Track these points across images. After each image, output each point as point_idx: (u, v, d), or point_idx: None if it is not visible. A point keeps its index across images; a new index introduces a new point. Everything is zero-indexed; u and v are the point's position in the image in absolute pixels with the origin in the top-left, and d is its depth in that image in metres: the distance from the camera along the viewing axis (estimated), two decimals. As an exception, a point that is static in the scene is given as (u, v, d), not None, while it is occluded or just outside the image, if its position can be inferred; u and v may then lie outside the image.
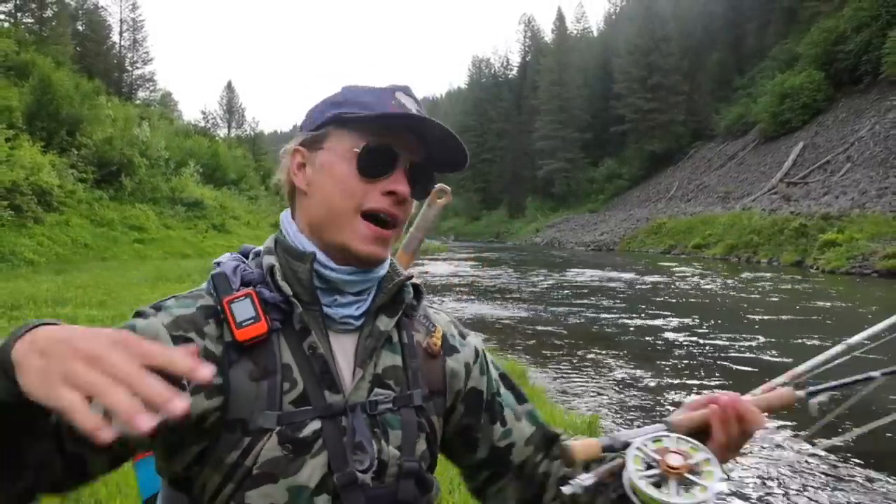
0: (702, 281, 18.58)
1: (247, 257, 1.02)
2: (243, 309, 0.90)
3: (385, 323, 0.98)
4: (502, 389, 1.12)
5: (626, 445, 0.90)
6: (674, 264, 25.37)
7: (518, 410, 1.11)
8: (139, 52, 55.47)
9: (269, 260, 0.96)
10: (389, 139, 0.94)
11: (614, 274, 21.63)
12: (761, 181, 37.38)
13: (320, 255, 0.95)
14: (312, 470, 0.88)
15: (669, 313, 12.35)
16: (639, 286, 17.92)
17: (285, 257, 0.96)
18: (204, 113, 63.89)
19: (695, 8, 65.78)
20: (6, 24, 40.12)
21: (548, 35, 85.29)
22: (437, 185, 1.81)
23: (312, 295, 0.95)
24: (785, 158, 37.42)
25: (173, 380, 0.73)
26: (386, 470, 0.92)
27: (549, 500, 1.07)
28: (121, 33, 54.58)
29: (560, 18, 79.17)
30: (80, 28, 51.26)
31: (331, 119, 0.96)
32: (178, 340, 0.88)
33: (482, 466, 1.10)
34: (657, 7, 63.48)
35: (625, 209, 51.99)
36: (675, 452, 0.87)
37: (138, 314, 0.91)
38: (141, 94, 55.04)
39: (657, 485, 0.85)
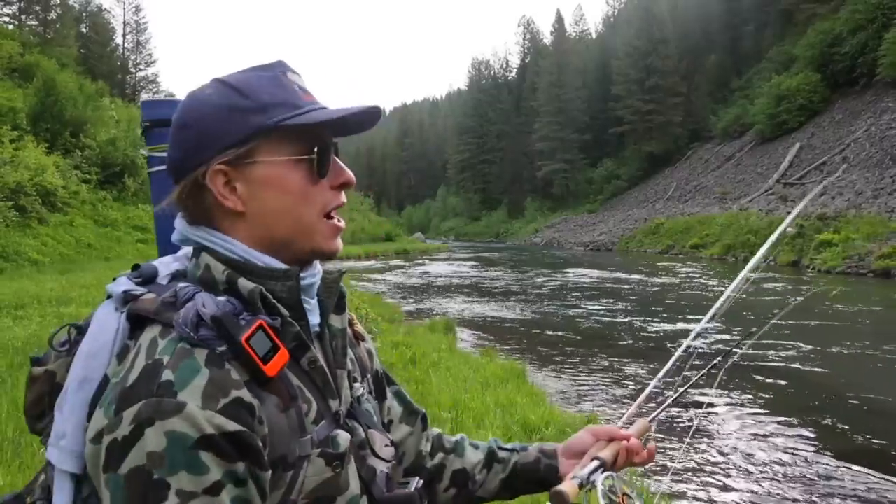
0: (699, 281, 18.58)
1: (147, 283, 0.88)
2: (261, 343, 0.79)
3: (338, 320, 0.96)
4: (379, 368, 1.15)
5: (589, 480, 1.04)
6: (671, 264, 25.37)
7: (391, 390, 1.14)
8: (142, 55, 55.56)
9: (247, 286, 0.83)
10: (326, 135, 0.90)
11: (612, 274, 21.63)
12: (758, 182, 37.38)
13: (292, 269, 0.87)
14: (353, 478, 0.88)
15: (666, 312, 12.35)
16: (637, 286, 17.92)
17: (259, 280, 0.85)
18: (206, 114, 63.65)
19: (692, 10, 65.73)
20: (11, 27, 40.13)
21: (547, 37, 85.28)
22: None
23: (299, 310, 0.87)
24: (782, 159, 37.43)
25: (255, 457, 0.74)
26: (381, 453, 0.96)
27: (442, 490, 1.15)
28: (124, 35, 54.65)
29: (559, 21, 79.13)
30: (83, 30, 51.30)
31: (258, 130, 0.84)
32: (242, 417, 0.74)
33: None
34: (655, 9, 63.42)
35: (623, 209, 51.97)
36: (626, 495, 1.04)
37: (172, 407, 0.71)
38: (144, 95, 55.02)
39: None
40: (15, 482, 3.14)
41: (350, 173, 0.91)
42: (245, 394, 0.75)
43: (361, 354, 1.06)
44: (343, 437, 0.86)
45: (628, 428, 1.15)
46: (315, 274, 0.92)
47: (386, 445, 0.97)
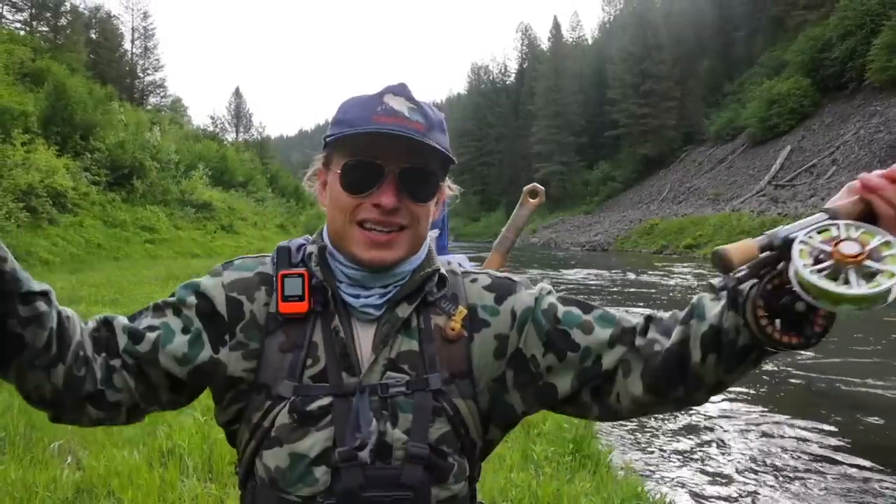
0: (693, 279, 18.58)
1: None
2: (294, 285, 0.97)
3: (404, 310, 0.98)
4: (560, 313, 1.02)
5: (788, 242, 0.76)
6: (666, 263, 25.37)
7: (586, 321, 1.01)
8: (150, 60, 55.54)
9: (312, 248, 1.02)
10: (370, 153, 0.94)
11: (608, 273, 21.62)
12: (750, 184, 37.36)
13: (340, 256, 0.99)
14: (314, 441, 0.91)
15: (660, 310, 12.34)
16: (632, 284, 17.93)
17: (320, 248, 1.01)
18: (213, 118, 63.72)
19: (686, 17, 65.70)
20: (22, 33, 40.12)
21: (544, 43, 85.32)
22: (529, 186, 1.73)
23: (335, 284, 0.99)
24: (773, 162, 37.40)
25: (218, 334, 0.97)
26: (391, 452, 0.92)
27: (697, 361, 0.91)
28: (133, 41, 54.62)
29: (556, 27, 79.17)
30: (93, 36, 51.29)
31: (325, 142, 1.00)
32: (230, 301, 0.98)
33: (580, 395, 1.01)
34: (650, 16, 63.42)
35: (618, 210, 51.93)
36: (847, 240, 0.73)
37: (213, 272, 1.03)
38: (152, 99, 55.08)
39: (833, 278, 0.72)
40: (26, 476, 3.14)
41: (386, 199, 0.93)
42: (243, 297, 0.98)
43: (454, 352, 0.98)
44: (321, 402, 0.92)
45: None
46: (372, 272, 0.98)
47: (401, 445, 0.92)
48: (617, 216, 49.69)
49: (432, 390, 0.95)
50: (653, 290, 16.31)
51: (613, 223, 47.36)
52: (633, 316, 1.04)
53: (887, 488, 4.35)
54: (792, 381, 7.20)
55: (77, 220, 21.47)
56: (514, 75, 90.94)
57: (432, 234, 1.19)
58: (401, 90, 0.96)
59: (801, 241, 0.75)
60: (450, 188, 1.08)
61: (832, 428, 5.61)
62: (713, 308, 0.91)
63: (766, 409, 6.18)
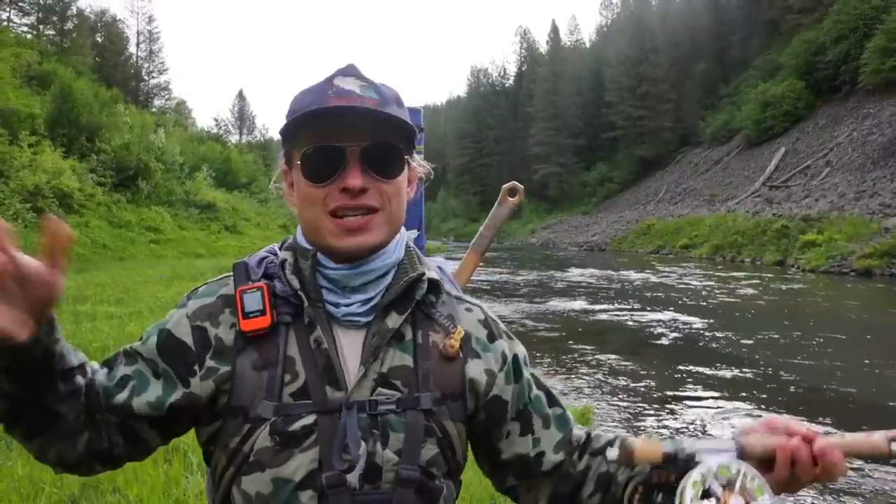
0: (688, 279, 18.57)
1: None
2: (252, 300, 0.90)
3: (394, 320, 0.91)
4: (533, 394, 1.01)
5: (690, 459, 0.79)
6: (662, 263, 25.37)
7: (548, 415, 1.01)
8: (155, 63, 55.55)
9: (283, 255, 0.95)
10: (328, 137, 0.88)
11: (605, 272, 21.62)
12: (745, 185, 37.36)
13: (320, 256, 0.92)
14: (299, 464, 0.84)
15: (657, 309, 12.34)
16: (629, 284, 17.92)
17: (295, 254, 0.95)
18: (216, 120, 63.97)
19: (682, 21, 65.71)
20: (29, 36, 40.13)
21: (543, 46, 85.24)
22: (508, 184, 1.66)
23: (317, 291, 0.92)
24: (767, 163, 37.41)
25: (187, 366, 0.91)
26: (381, 475, 0.85)
27: (587, 495, 0.98)
28: (138, 45, 54.65)
29: (554, 30, 79.17)
30: (99, 40, 51.30)
31: (282, 135, 0.94)
32: (195, 330, 0.92)
33: (508, 472, 1.01)
34: (646, 20, 63.45)
35: (616, 211, 51.93)
36: (737, 495, 0.75)
37: (180, 304, 0.97)
38: (157, 102, 55.11)
39: None
40: (33, 472, 3.14)
41: (351, 180, 0.87)
42: (207, 324, 0.92)
43: (449, 372, 0.93)
44: (304, 421, 0.85)
45: (843, 436, 0.79)
46: (351, 267, 0.91)
47: (391, 466, 0.86)
48: (614, 217, 49.69)
49: (423, 410, 0.89)
50: (650, 290, 16.31)
51: (611, 224, 47.37)
52: (579, 428, 1.04)
53: (887, 488, 4.35)
54: (791, 381, 7.20)
55: (83, 220, 21.47)
56: (512, 78, 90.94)
57: (410, 235, 1.11)
58: (350, 70, 0.92)
59: (700, 473, 0.77)
60: (420, 165, 1.00)
61: (831, 429, 5.61)
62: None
63: (764, 409, 6.17)
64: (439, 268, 1.13)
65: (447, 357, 0.93)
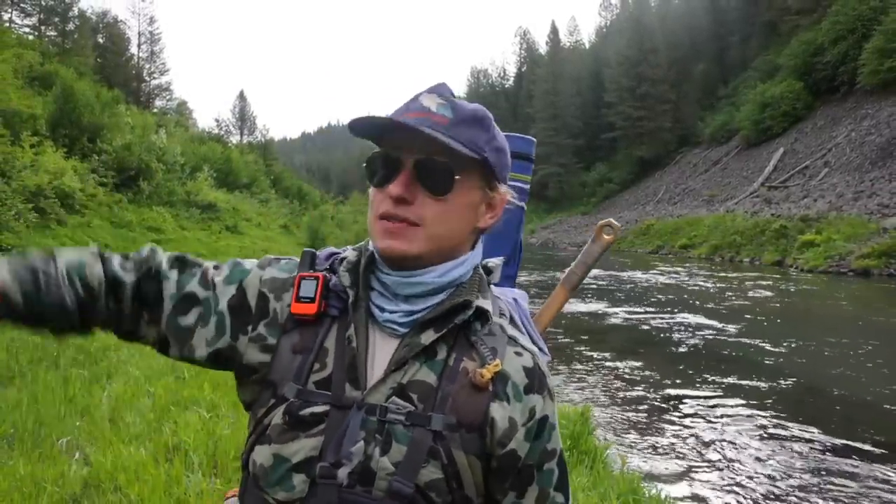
0: (686, 279, 18.57)
1: None
2: (308, 287, 0.96)
3: (427, 336, 0.91)
4: (547, 465, 0.95)
5: None
6: (661, 263, 25.36)
7: (548, 495, 0.96)
8: (156, 64, 55.51)
9: (348, 253, 1.01)
10: (387, 146, 0.93)
11: (604, 272, 21.62)
12: (744, 185, 37.35)
13: (377, 259, 0.96)
14: (300, 448, 0.87)
15: (657, 309, 12.34)
16: (627, 284, 17.92)
17: (360, 254, 1.00)
18: (217, 120, 63.80)
19: (681, 22, 65.68)
20: (31, 37, 40.13)
21: (542, 47, 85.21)
22: (605, 221, 1.61)
23: (365, 291, 0.96)
24: (766, 164, 37.40)
25: (241, 323, 0.98)
26: (374, 481, 0.85)
27: None
28: (139, 45, 54.61)
29: (554, 31, 79.10)
30: (100, 40, 51.29)
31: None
32: (261, 296, 0.98)
33: None
34: (646, 21, 63.39)
35: (615, 211, 51.89)
36: None
37: (261, 263, 1.03)
38: (158, 102, 55.06)
39: None
40: (35, 472, 3.14)
41: (394, 187, 0.90)
42: (272, 296, 0.98)
43: (473, 402, 0.90)
44: (316, 409, 0.89)
45: None
46: (398, 273, 0.94)
47: (385, 475, 0.85)
48: (613, 217, 49.42)
49: (432, 430, 0.86)
50: (650, 290, 16.31)
51: (610, 224, 47.29)
52: None
53: (886, 487, 4.35)
54: (791, 380, 7.19)
55: (85, 220, 21.47)
56: (512, 79, 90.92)
57: (496, 261, 1.06)
58: (437, 88, 0.95)
59: None
60: (505, 192, 0.98)
61: (830, 427, 5.61)
62: None
63: (763, 408, 6.17)
64: (515, 300, 1.10)
65: (474, 386, 0.90)
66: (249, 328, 0.97)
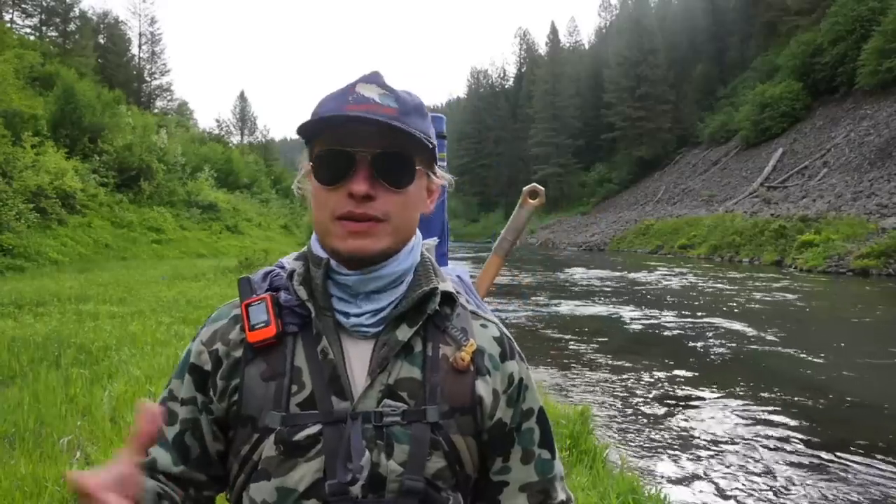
0: (686, 279, 18.57)
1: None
2: (257, 312, 0.91)
3: (404, 332, 0.90)
4: (525, 425, 0.97)
5: None
6: (660, 263, 25.36)
7: (532, 453, 0.97)
8: (157, 64, 55.54)
9: (294, 265, 0.95)
10: (341, 142, 0.87)
11: (604, 273, 21.62)
12: (743, 185, 37.36)
13: (333, 263, 0.91)
14: (303, 474, 0.85)
15: (657, 309, 12.34)
16: (627, 284, 17.91)
17: (307, 264, 0.94)
18: (218, 121, 63.90)
19: (680, 23, 65.74)
20: (32, 38, 40.14)
21: (542, 48, 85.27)
22: (529, 186, 1.61)
23: (326, 300, 0.91)
24: (765, 164, 37.41)
25: (206, 387, 0.93)
26: (385, 485, 0.85)
27: None
28: (140, 46, 54.64)
29: (554, 32, 79.14)
30: (101, 41, 51.28)
31: (303, 138, 0.93)
32: (211, 354, 0.94)
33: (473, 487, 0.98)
34: (645, 22, 63.38)
35: (614, 211, 51.91)
36: None
37: (197, 333, 0.99)
38: (159, 103, 55.09)
39: None
40: (36, 471, 3.14)
41: (358, 185, 0.86)
42: (218, 344, 0.93)
43: (460, 385, 0.91)
44: (309, 431, 0.85)
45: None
46: (360, 273, 0.90)
47: (396, 477, 0.85)
48: (613, 217, 49.68)
49: (430, 423, 0.87)
50: (650, 290, 16.31)
51: (609, 224, 47.36)
52: (563, 490, 1.01)
53: (885, 486, 4.35)
54: (790, 380, 7.19)
55: (85, 220, 21.49)
56: (512, 79, 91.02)
57: (431, 242, 1.07)
58: (373, 78, 0.91)
59: None
60: (441, 176, 0.98)
61: (830, 427, 5.61)
62: None
63: (762, 408, 6.17)
64: (458, 277, 1.11)
65: (457, 370, 0.91)
66: (212, 391, 0.92)
